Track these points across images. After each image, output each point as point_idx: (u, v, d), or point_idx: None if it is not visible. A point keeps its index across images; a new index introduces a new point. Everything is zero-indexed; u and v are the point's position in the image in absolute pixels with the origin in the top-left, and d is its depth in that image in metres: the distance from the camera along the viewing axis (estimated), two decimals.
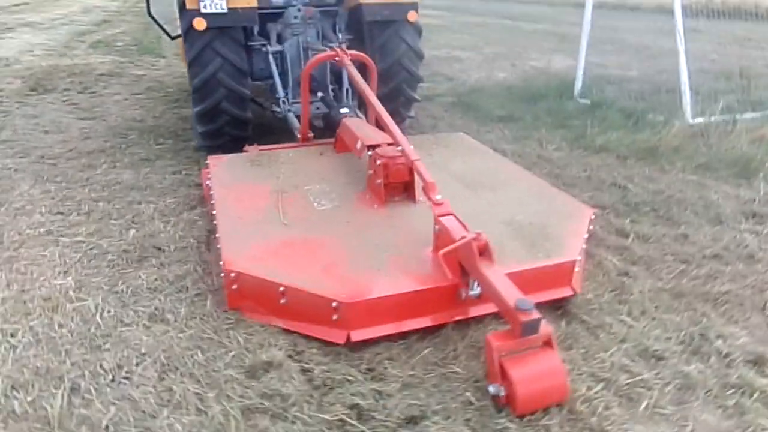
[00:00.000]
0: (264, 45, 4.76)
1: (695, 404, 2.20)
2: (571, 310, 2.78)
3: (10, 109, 5.97)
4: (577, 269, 2.88)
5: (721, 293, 2.90)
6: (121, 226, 3.47)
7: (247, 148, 4.27)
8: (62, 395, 2.11)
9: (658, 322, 2.69)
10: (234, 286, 2.66)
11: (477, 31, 13.72)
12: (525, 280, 2.70)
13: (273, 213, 3.19)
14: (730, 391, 2.25)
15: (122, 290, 2.79)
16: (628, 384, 2.29)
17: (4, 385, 2.15)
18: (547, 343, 2.21)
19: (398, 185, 3.37)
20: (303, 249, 2.83)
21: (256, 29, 4.75)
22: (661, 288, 2.96)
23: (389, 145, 3.43)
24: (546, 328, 2.21)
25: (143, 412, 2.06)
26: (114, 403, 2.09)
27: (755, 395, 2.23)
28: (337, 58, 4.10)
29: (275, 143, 4.22)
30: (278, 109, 4.76)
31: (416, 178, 3.34)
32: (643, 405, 2.19)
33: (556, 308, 2.81)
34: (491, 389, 2.14)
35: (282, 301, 2.55)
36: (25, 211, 3.64)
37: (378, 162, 3.26)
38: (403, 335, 2.53)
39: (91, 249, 3.19)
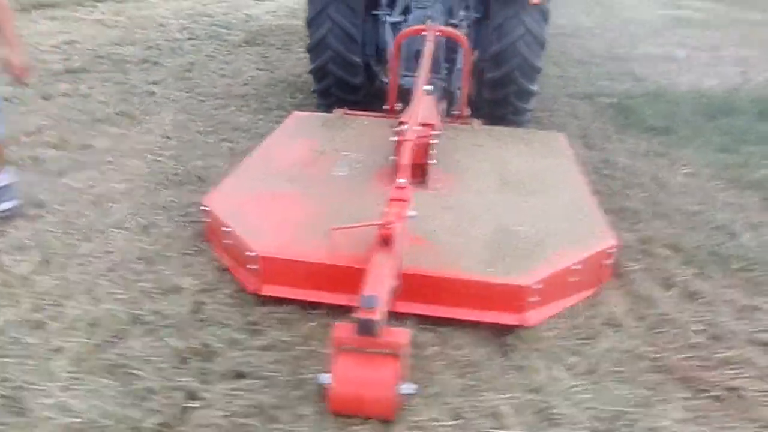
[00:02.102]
0: (386, 15, 4.86)
1: None
2: (509, 342, 2.40)
3: (215, 56, 7.22)
4: (535, 298, 2.45)
5: (720, 386, 2.16)
6: (195, 156, 4.08)
7: (335, 110, 4.52)
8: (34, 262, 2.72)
9: (596, 386, 2.16)
10: (206, 220, 2.98)
11: (744, 29, 11.36)
12: (460, 292, 2.45)
13: (292, 168, 3.39)
14: None
15: (143, 203, 3.36)
16: None
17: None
18: (394, 354, 2.00)
19: (413, 167, 3.24)
20: (278, 203, 2.98)
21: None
22: (643, 355, 2.33)
23: (425, 125, 3.31)
24: (400, 338, 2.01)
25: (67, 288, 2.54)
26: (58, 277, 2.61)
27: None
28: (424, 33, 4.02)
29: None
30: (386, 79, 4.86)
31: (431, 166, 3.21)
32: None
33: (500, 334, 2.45)
34: (321, 377, 2.04)
35: (225, 241, 2.78)
36: (147, 131, 4.53)
37: (392, 138, 3.18)
38: (315, 305, 2.53)
39: (159, 168, 3.85)
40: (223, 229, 2.76)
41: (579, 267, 2.58)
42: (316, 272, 2.51)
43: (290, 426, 1.93)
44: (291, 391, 2.08)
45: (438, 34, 4.04)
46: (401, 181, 2.70)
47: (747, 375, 2.22)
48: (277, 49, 7.94)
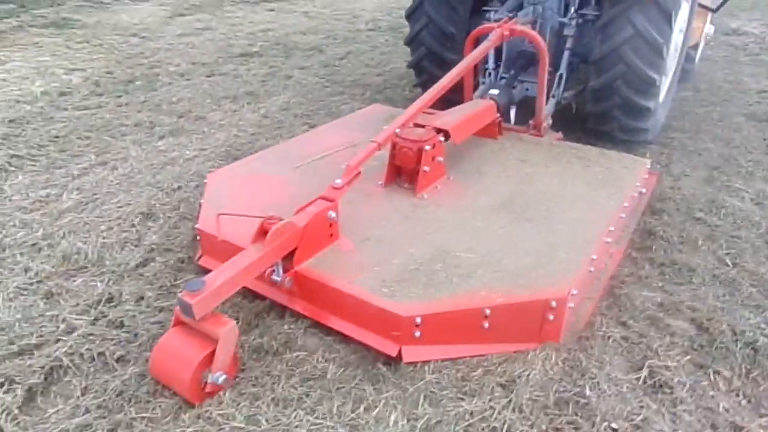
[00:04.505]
0: (493, 11, 4.52)
1: None
2: (384, 372, 2.19)
3: (378, 47, 7.50)
4: (417, 333, 2.16)
5: None
6: (271, 135, 4.47)
7: None
8: (75, 201, 3.39)
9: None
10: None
11: None
12: (346, 306, 2.32)
13: (311, 156, 3.51)
14: None
15: (189, 170, 3.83)
16: None
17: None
18: (210, 340, 2.02)
19: (408, 171, 3.08)
20: (260, 187, 3.14)
21: None
22: (502, 430, 1.87)
23: (437, 130, 3.11)
24: (219, 327, 2.02)
25: (75, 226, 3.12)
26: (78, 217, 3.21)
27: None
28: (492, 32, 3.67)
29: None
30: (482, 78, 4.56)
31: (424, 170, 3.00)
32: None
33: (381, 362, 2.24)
34: None
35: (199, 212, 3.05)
36: (255, 110, 5.06)
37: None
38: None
39: (232, 142, 4.33)
40: (200, 201, 3.04)
41: (489, 312, 2.16)
42: (232, 252, 2.61)
43: (110, 375, 2.12)
44: (144, 352, 2.26)
45: (507, 33, 3.64)
46: (338, 181, 2.62)
47: None
48: None
